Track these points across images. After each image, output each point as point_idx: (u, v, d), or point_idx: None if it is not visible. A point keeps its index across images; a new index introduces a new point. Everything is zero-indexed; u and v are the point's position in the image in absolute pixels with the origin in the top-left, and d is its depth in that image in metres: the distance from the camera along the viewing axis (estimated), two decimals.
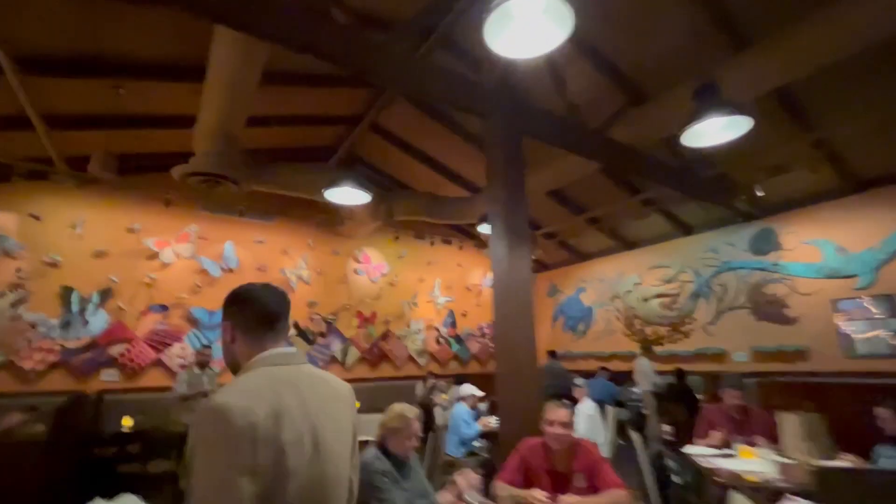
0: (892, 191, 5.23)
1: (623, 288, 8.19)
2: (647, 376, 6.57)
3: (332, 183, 4.11)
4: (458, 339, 8.67)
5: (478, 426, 4.47)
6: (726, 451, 2.95)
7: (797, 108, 4.68)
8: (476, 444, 4.48)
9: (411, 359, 8.07)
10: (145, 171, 5.91)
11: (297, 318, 7.00)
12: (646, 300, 7.79)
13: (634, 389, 6.76)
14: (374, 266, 7.97)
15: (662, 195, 6.53)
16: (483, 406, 5.04)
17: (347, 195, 4.26)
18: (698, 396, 5.73)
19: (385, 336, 7.83)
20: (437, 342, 8.40)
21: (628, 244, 8.15)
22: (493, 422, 4.66)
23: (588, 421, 4.41)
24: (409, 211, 6.73)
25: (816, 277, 5.79)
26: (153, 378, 5.73)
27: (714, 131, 3.16)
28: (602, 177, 6.34)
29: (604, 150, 4.47)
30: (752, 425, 3.17)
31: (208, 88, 3.94)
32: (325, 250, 7.53)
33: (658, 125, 4.58)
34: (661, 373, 6.63)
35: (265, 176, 5.42)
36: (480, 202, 6.78)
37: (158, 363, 5.80)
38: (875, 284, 5.28)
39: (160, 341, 5.86)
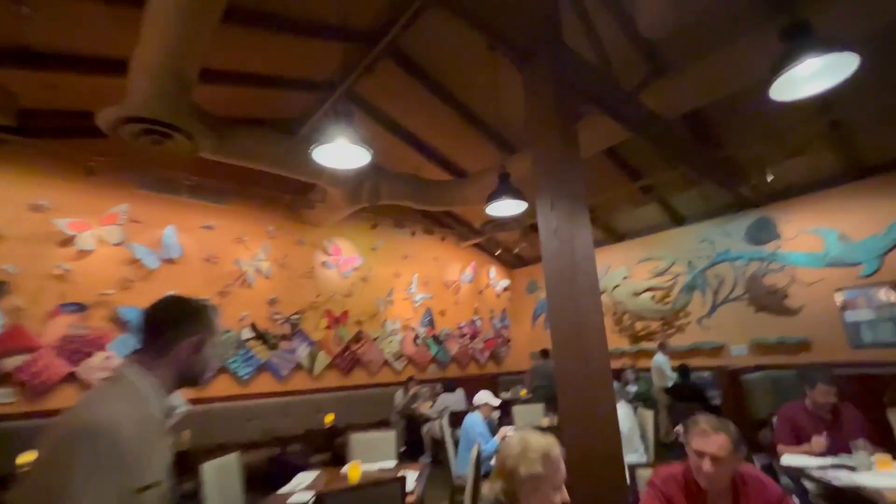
0: (882, 179, 5.18)
1: (611, 282, 7.83)
2: (661, 373, 6.17)
3: (320, 139, 3.18)
4: (437, 340, 7.90)
5: (496, 440, 3.73)
6: (840, 460, 2.45)
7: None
8: (493, 462, 3.73)
9: (386, 363, 7.18)
10: (60, 133, 4.62)
11: (256, 318, 5.90)
12: (636, 294, 7.46)
13: (629, 388, 6.36)
14: (345, 259, 7.00)
15: (663, 181, 6.18)
16: (496, 415, 4.30)
17: (341, 156, 3.34)
18: (711, 394, 5.38)
19: (358, 338, 6.89)
20: (415, 344, 7.56)
21: (617, 236, 7.81)
22: (510, 433, 3.94)
23: (623, 428, 3.84)
24: (395, 194, 5.88)
25: (819, 266, 5.66)
26: (64, 398, 4.44)
27: (808, 79, 2.66)
28: (602, 159, 5.88)
29: (643, 117, 3.94)
30: (844, 427, 2.71)
31: (153, 12, 2.92)
32: (289, 240, 6.47)
33: (682, 98, 4.16)
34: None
35: (225, 143, 4.38)
36: (473, 187, 6.09)
37: (72, 378, 4.51)
38: (880, 271, 5.20)
39: (75, 350, 4.57)
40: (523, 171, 4.95)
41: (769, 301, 6.02)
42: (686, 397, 5.27)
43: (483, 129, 5.80)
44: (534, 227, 7.61)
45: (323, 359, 6.43)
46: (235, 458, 2.97)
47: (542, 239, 2.76)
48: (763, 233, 6.18)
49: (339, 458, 4.93)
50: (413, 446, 5.90)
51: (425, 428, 5.90)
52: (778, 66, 2.64)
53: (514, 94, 4.88)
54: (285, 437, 4.99)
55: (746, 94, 4.37)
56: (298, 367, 6.19)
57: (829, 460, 2.46)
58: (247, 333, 5.77)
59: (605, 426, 2.37)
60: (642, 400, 6.03)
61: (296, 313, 6.28)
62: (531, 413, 4.89)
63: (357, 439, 3.39)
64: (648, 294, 7.29)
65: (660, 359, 6.16)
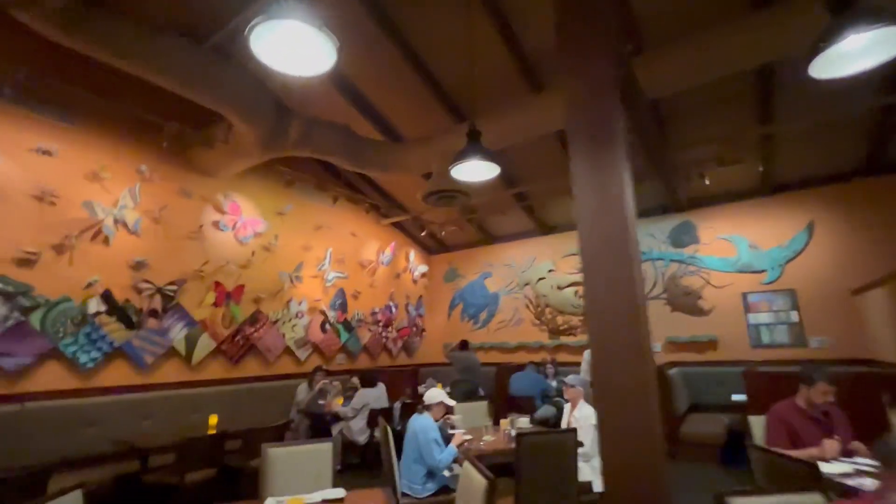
0: (800, 195, 5.72)
1: (535, 275, 7.66)
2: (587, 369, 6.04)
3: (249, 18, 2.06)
4: (348, 327, 6.90)
5: (454, 449, 3.04)
6: (858, 464, 2.27)
7: (768, 92, 4.58)
8: (447, 472, 3.04)
9: (288, 351, 5.99)
10: None
11: (113, 285, 4.33)
12: (560, 288, 7.38)
13: (551, 383, 6.19)
14: (244, 221, 5.63)
15: None
16: (457, 419, 3.59)
17: (289, 52, 2.26)
18: None
19: (255, 319, 5.60)
20: (324, 329, 6.48)
21: (545, 228, 7.66)
22: (467, 437, 3.29)
23: (593, 432, 3.45)
24: (325, 146, 4.81)
25: (729, 271, 6.07)
26: None
27: (855, 54, 2.46)
28: (552, 142, 5.56)
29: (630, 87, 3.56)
30: (836, 428, 2.60)
31: None
32: (170, 187, 4.93)
33: (670, 76, 3.94)
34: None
35: (91, 21, 2.95)
36: (415, 152, 5.30)
37: None
38: (780, 279, 5.71)
39: None
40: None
41: (684, 301, 6.31)
42: None
43: (434, 88, 5.04)
44: (473, 210, 7.06)
45: (206, 343, 5.04)
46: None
47: (578, 208, 2.14)
48: (685, 236, 6.47)
49: (231, 476, 3.77)
50: None
51: (336, 429, 4.95)
52: (821, 40, 2.36)
53: (485, 51, 4.23)
54: (147, 447, 3.65)
55: (697, 92, 4.39)
56: (171, 353, 4.74)
57: (845, 466, 2.27)
58: (96, 305, 4.19)
59: (648, 433, 1.85)
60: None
61: (172, 283, 4.80)
62: (475, 413, 4.29)
63: (276, 457, 2.40)
64: (572, 289, 7.26)
65: (587, 354, 6.06)
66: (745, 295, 5.92)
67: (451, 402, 3.25)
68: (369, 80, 5.08)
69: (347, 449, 4.92)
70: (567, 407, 3.79)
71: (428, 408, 3.20)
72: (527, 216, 7.41)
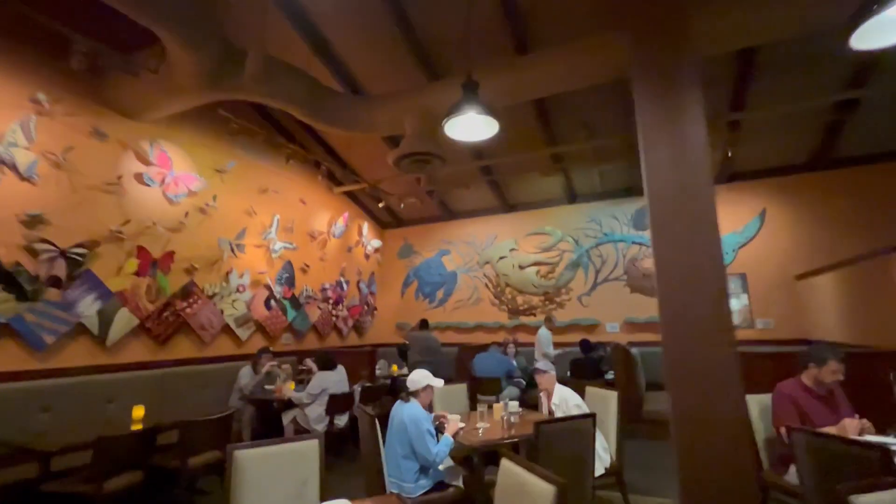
0: (755, 184, 5.98)
1: (497, 253, 7.43)
2: (542, 349, 5.92)
3: None
4: (296, 303, 6.20)
5: (450, 439, 2.67)
6: (889, 442, 2.22)
7: (749, 70, 4.59)
8: (442, 466, 2.67)
9: (227, 330, 5.21)
10: None
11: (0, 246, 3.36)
12: (521, 268, 7.22)
13: (539, 365, 6.03)
14: (176, 175, 4.72)
15: (574, 152, 5.90)
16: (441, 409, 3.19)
17: None
18: (604, 369, 5.37)
19: (187, 292, 4.76)
20: (268, 306, 5.74)
21: (509, 206, 7.42)
22: (461, 425, 2.92)
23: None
24: (284, 92, 4.08)
25: None
26: None
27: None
28: (528, 112, 5.26)
29: None
30: (840, 406, 2.59)
31: None
32: (78, 125, 3.93)
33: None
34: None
35: None
36: (385, 110, 4.72)
37: None
38: (733, 263, 5.97)
39: None
40: (444, 104, 3.83)
41: (644, 283, 6.43)
42: (586, 373, 5.13)
43: (409, 38, 4.49)
44: (437, 182, 6.59)
45: (125, 320, 4.17)
46: None
47: (645, 165, 1.81)
48: (646, 219, 6.54)
49: (163, 479, 3.11)
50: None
51: (288, 417, 4.37)
52: (863, 9, 2.22)
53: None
54: (47, 449, 2.86)
55: None
56: (80, 331, 3.84)
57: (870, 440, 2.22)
58: None
59: (734, 427, 1.60)
60: (530, 375, 5.76)
61: (80, 245, 3.86)
62: (454, 396, 3.94)
63: (247, 461, 1.86)
64: (534, 268, 7.13)
65: (544, 333, 5.97)
66: None
67: (439, 383, 2.85)
68: (335, 21, 4.40)
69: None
70: (542, 396, 3.54)
71: (414, 394, 2.78)
72: (491, 192, 7.11)
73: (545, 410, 3.45)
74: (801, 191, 5.72)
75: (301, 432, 4.29)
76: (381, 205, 7.29)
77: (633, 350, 5.67)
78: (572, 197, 7.03)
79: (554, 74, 4.00)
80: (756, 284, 5.83)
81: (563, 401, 3.33)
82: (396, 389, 5.25)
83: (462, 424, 2.86)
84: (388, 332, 7.99)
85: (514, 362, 6.09)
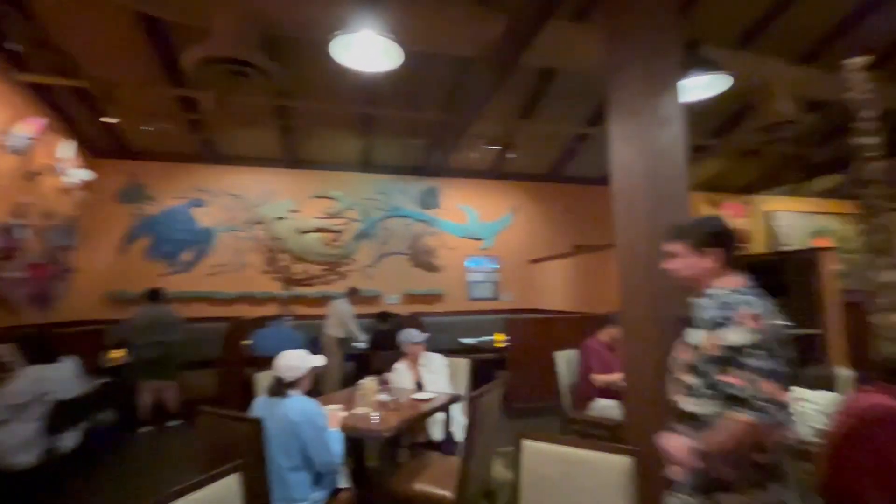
0: (513, 184, 7.33)
1: (273, 213, 6.33)
2: (344, 322, 5.43)
3: None
4: None
5: (339, 433, 2.08)
6: None
7: (544, 88, 5.57)
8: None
9: None
10: None
11: None
12: (302, 232, 6.42)
13: (417, 339, 5.34)
14: None
15: (394, 118, 5.67)
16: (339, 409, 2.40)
17: None
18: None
19: None
20: None
21: (294, 161, 6.43)
22: (343, 413, 2.32)
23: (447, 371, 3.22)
24: None
25: (460, 236, 7.05)
26: None
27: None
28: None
29: None
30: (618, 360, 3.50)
31: None
32: None
33: None
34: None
35: None
36: None
37: None
38: (491, 248, 7.14)
39: None
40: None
41: (424, 259, 6.86)
42: (389, 343, 5.06)
43: None
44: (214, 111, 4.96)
45: None
46: None
47: (613, 134, 1.86)
48: (430, 199, 7.00)
49: None
50: None
51: None
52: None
53: None
54: None
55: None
56: None
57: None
58: None
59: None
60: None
61: None
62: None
63: None
64: (318, 235, 6.47)
65: (345, 306, 5.58)
66: (467, 257, 7.04)
67: (321, 362, 2.20)
68: None
69: None
70: (403, 365, 3.35)
71: (293, 384, 2.04)
72: (278, 138, 5.98)
73: (411, 381, 3.25)
74: (543, 196, 7.40)
75: None
76: (102, 119, 5.00)
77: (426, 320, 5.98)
78: (365, 165, 6.75)
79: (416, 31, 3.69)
80: (504, 265, 7.17)
81: (432, 360, 3.32)
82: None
83: (345, 414, 2.29)
84: (95, 304, 5.62)
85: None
